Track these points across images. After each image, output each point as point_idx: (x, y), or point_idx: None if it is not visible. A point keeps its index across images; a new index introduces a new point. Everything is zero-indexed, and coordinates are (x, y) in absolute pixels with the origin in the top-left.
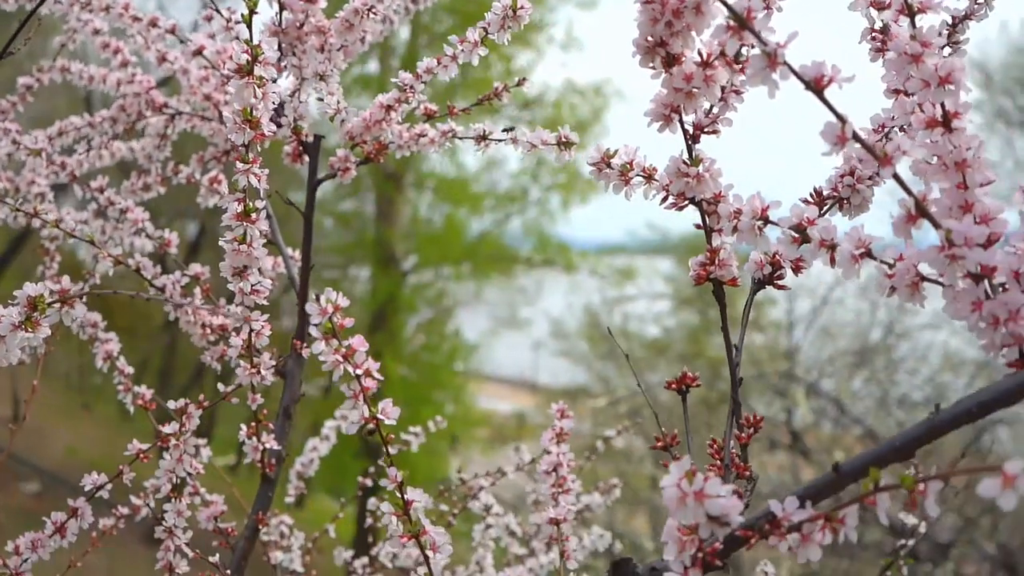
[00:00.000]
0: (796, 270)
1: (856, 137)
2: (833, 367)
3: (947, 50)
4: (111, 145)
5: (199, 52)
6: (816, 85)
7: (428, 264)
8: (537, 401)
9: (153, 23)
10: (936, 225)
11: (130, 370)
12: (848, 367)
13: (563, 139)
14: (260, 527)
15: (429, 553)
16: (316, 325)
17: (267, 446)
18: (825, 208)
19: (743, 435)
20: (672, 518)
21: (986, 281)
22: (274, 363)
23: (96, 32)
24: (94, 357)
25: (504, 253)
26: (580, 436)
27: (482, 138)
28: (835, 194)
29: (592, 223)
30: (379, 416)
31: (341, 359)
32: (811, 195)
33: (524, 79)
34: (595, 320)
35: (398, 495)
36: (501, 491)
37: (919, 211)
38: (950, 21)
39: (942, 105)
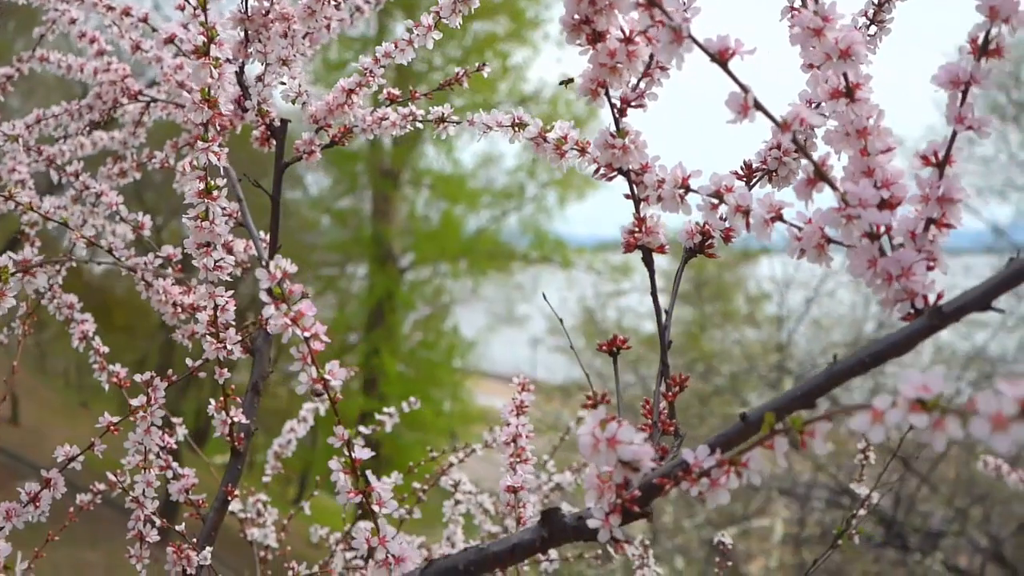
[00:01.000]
0: (726, 239)
1: (758, 106)
2: (825, 359)
3: (872, 28)
4: (91, 135)
5: (171, 40)
6: (721, 57)
7: (425, 261)
8: (535, 397)
9: (126, 12)
10: (834, 188)
11: (105, 349)
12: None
13: (516, 121)
14: (229, 498)
15: (375, 507)
16: (266, 290)
17: (235, 420)
18: (754, 180)
19: (670, 394)
20: (588, 464)
21: (885, 240)
22: (240, 338)
23: (73, 22)
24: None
25: (501, 250)
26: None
27: (440, 120)
28: (763, 166)
29: (589, 219)
30: (326, 377)
31: (290, 322)
32: (741, 167)
33: (483, 64)
34: (591, 316)
35: (347, 453)
36: (496, 486)
37: (818, 175)
38: (876, 0)
39: (844, 76)
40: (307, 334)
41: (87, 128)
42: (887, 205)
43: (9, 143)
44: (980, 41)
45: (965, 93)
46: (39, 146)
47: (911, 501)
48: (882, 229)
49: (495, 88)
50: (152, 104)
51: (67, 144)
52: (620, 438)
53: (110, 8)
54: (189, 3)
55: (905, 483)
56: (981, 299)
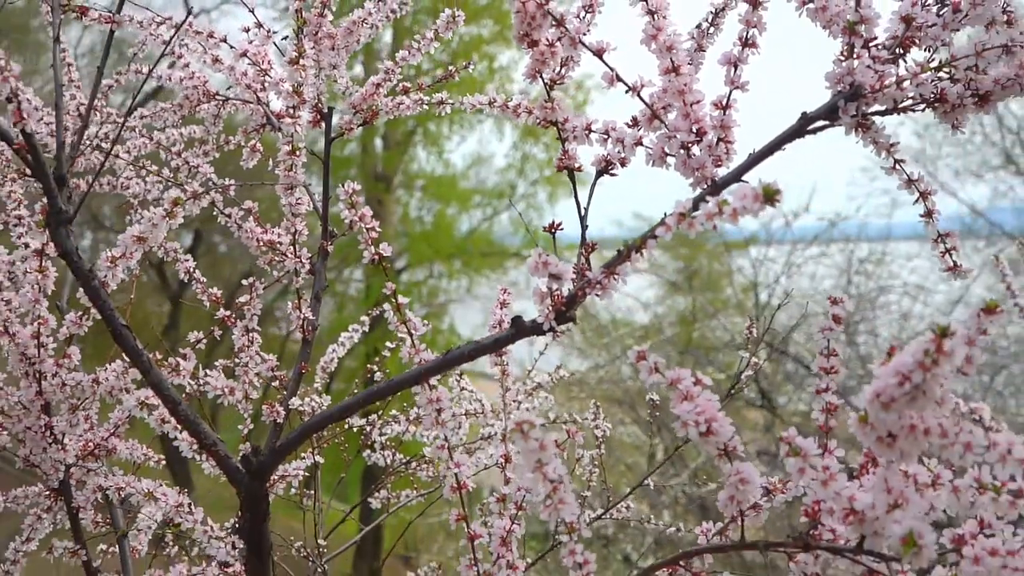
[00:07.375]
0: (623, 164)
1: (619, 79)
2: (799, 331)
3: (711, 29)
4: (164, 131)
5: (244, 54)
6: (598, 53)
7: (420, 262)
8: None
9: (210, 35)
10: (662, 121)
11: (204, 280)
12: (814, 326)
13: (492, 100)
14: (303, 372)
15: (413, 331)
16: (342, 200)
17: (306, 316)
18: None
19: (587, 251)
20: (531, 276)
21: (696, 150)
22: (311, 255)
23: (166, 43)
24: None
25: (494, 248)
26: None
27: (441, 103)
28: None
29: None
30: (381, 252)
31: (358, 220)
32: (630, 119)
33: (469, 62)
34: (585, 311)
35: (394, 300)
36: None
37: (653, 115)
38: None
39: (671, 60)
40: (368, 226)
41: (180, 120)
42: (698, 133)
43: (127, 132)
44: (744, 37)
45: (736, 67)
46: (149, 132)
47: None
48: (691, 144)
49: (483, 90)
50: (226, 102)
51: (163, 134)
52: (550, 260)
53: (198, 32)
54: (262, 27)
55: None
56: (737, 175)
